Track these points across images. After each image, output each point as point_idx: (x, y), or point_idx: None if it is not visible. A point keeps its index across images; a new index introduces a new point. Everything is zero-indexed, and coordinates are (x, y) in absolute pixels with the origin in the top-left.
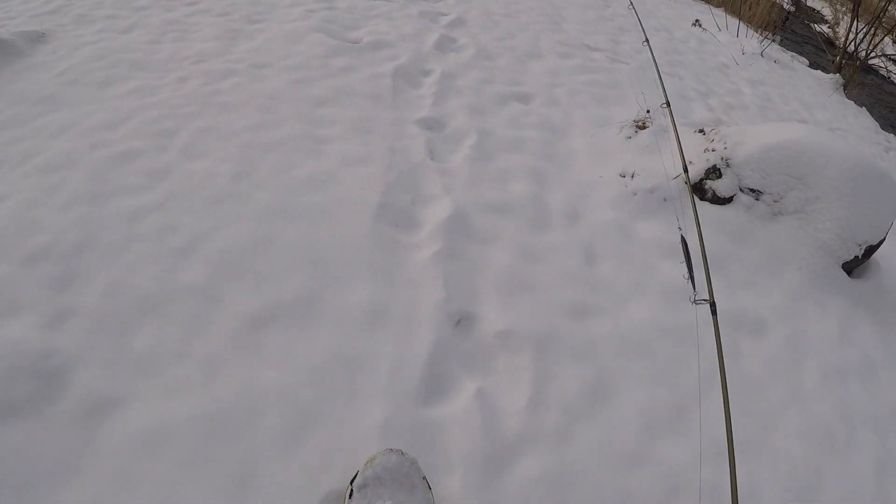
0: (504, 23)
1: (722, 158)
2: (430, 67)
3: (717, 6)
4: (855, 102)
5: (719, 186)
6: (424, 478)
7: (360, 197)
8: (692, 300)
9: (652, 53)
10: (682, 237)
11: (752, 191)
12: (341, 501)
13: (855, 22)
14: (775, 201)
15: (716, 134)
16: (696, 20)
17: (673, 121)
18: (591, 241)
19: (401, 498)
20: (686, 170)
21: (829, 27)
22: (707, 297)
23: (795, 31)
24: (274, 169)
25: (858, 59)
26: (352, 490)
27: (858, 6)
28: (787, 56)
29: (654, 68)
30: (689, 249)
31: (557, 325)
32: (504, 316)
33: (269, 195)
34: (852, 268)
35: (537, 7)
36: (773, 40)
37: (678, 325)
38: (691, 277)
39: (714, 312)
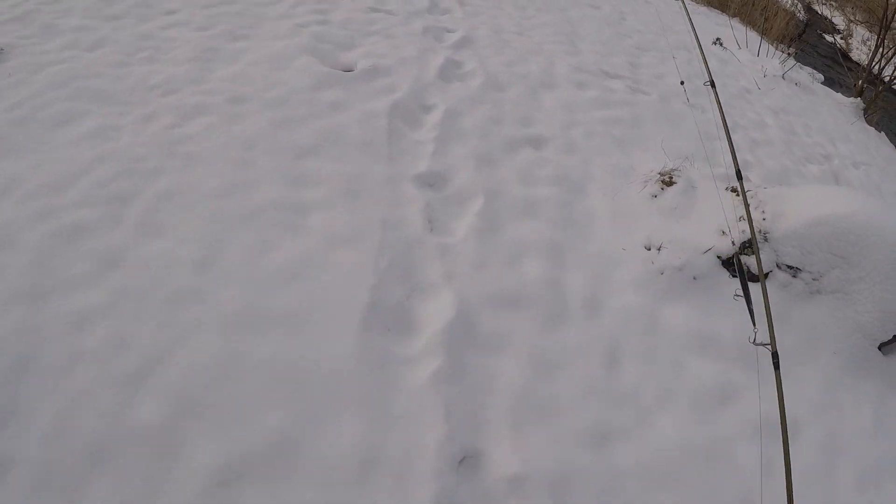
0: (516, 42)
1: (760, 231)
2: (431, 102)
3: (734, 15)
4: (875, 128)
5: (755, 263)
6: None
7: (347, 294)
8: (752, 341)
9: (720, 105)
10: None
11: (791, 268)
12: None
13: (881, 48)
14: (814, 279)
15: (752, 197)
16: (717, 39)
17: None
18: (613, 336)
19: None
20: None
21: (842, 38)
22: (769, 343)
23: (808, 42)
24: (245, 252)
25: (882, 82)
26: None
27: (886, 31)
28: (806, 76)
29: (686, 101)
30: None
31: (576, 459)
32: (515, 454)
33: (237, 294)
34: (884, 345)
35: (551, 23)
36: (792, 55)
37: (710, 442)
38: (751, 312)
39: (777, 366)
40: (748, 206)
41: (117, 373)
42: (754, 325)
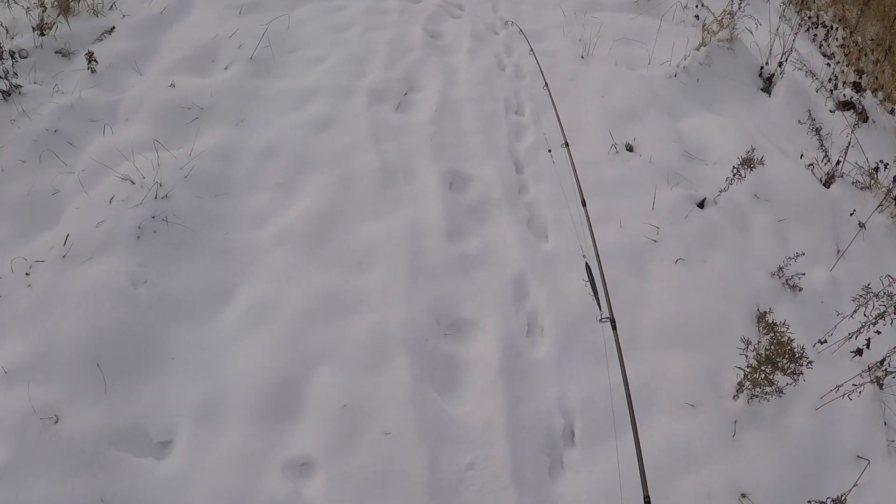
0: None
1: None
2: None
3: None
4: None
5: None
6: None
7: None
8: (599, 319)
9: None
10: (587, 265)
11: None
12: None
13: None
14: None
15: None
16: None
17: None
18: None
19: None
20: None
21: None
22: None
23: None
24: None
25: None
26: None
27: None
28: None
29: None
30: (593, 275)
31: None
32: None
33: None
34: None
35: None
36: None
37: None
38: (597, 300)
39: (614, 328)
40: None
41: None
42: (599, 308)
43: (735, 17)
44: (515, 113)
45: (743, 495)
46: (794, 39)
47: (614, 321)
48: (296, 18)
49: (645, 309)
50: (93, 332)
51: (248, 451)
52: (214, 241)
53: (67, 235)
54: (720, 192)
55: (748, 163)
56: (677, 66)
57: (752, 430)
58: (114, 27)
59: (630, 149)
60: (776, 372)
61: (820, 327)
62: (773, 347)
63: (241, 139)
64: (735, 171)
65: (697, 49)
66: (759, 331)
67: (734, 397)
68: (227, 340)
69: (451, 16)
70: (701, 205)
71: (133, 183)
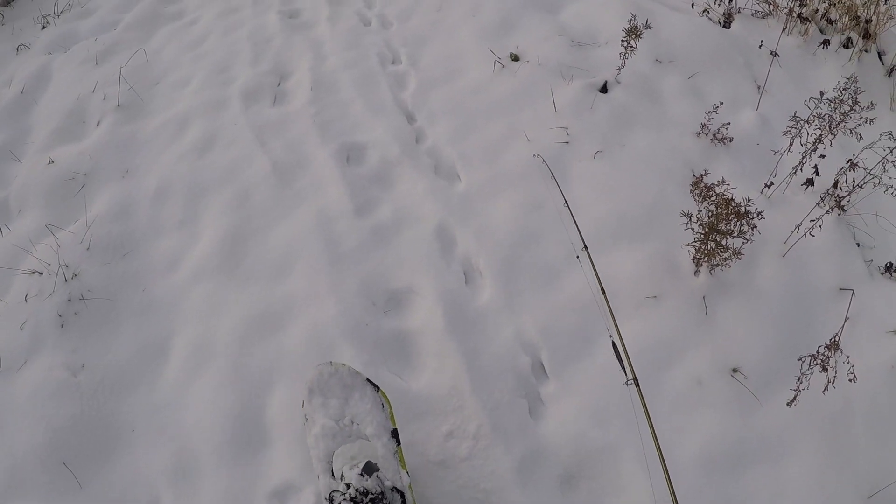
0: None
1: None
2: None
3: None
4: None
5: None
6: (368, 380)
7: None
8: (625, 383)
9: None
10: (613, 343)
11: None
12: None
13: None
14: None
15: None
16: None
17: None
18: None
19: (348, 395)
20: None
21: None
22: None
23: None
24: None
25: None
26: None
27: None
28: None
29: None
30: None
31: None
32: None
33: None
34: None
35: None
36: None
37: None
38: (622, 366)
39: (637, 386)
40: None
41: None
42: (626, 373)
43: None
44: (392, 63)
45: (734, 370)
46: None
47: (637, 380)
48: (152, 49)
49: (578, 215)
50: (49, 434)
51: (230, 495)
52: (135, 302)
53: None
54: (618, 70)
55: (634, 31)
56: None
57: (724, 301)
58: None
59: (515, 58)
60: (726, 237)
61: (763, 170)
62: (718, 211)
63: (131, 190)
64: (625, 43)
65: None
66: (695, 199)
67: (695, 273)
68: (177, 394)
69: None
70: (603, 89)
71: (41, 274)
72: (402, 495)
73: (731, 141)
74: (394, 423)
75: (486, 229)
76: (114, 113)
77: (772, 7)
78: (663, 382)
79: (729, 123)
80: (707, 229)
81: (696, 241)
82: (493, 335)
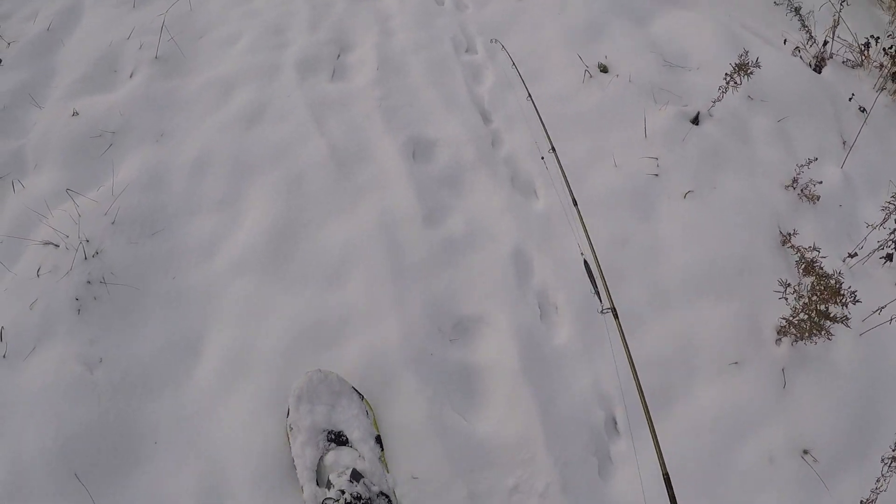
0: None
1: None
2: None
3: None
4: None
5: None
6: (354, 388)
7: None
8: (600, 311)
9: None
10: (585, 261)
11: None
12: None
13: None
14: None
15: None
16: None
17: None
18: None
19: (335, 402)
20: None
21: None
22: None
23: None
24: None
25: None
26: (289, 409)
27: None
28: None
29: None
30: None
31: None
32: None
33: None
34: None
35: None
36: None
37: None
38: (597, 293)
39: (616, 317)
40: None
41: None
42: (600, 300)
43: None
44: (467, 51)
45: (805, 451)
46: None
47: (615, 310)
48: None
49: (665, 259)
50: (59, 440)
51: None
52: (164, 291)
53: (2, 328)
54: (713, 102)
55: (743, 68)
56: None
57: (802, 375)
58: (0, 60)
59: (604, 69)
60: (830, 321)
61: (842, 234)
62: (818, 291)
63: (166, 157)
64: (728, 78)
65: None
66: (795, 270)
67: (776, 342)
68: (207, 405)
69: None
70: (695, 121)
71: (57, 246)
72: (389, 499)
73: (818, 200)
74: (377, 430)
75: (566, 262)
76: (150, 65)
77: (864, 58)
78: (736, 454)
79: (821, 182)
80: (812, 311)
81: (791, 317)
82: (570, 383)
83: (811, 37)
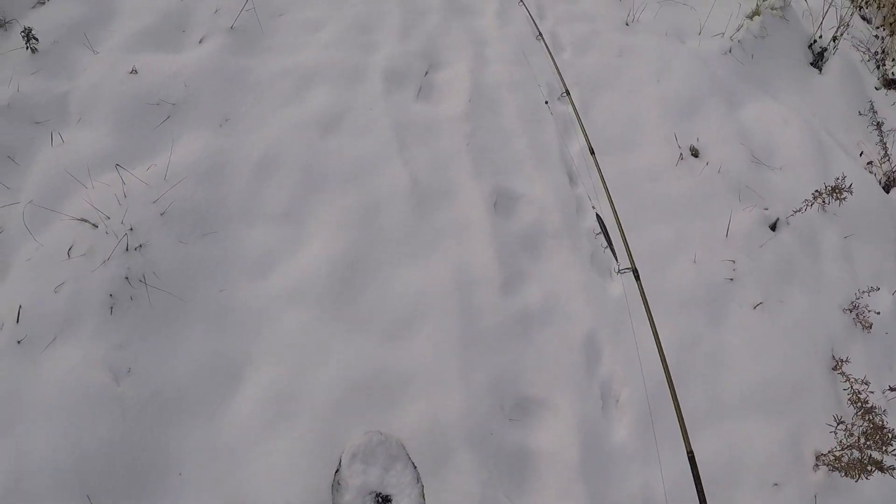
0: None
1: None
2: None
3: None
4: None
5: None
6: (409, 456)
7: None
8: (616, 271)
9: None
10: (598, 215)
11: None
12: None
13: None
14: None
15: None
16: None
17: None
18: None
19: (389, 466)
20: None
21: None
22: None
23: None
24: None
25: None
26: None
27: None
28: None
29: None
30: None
31: None
32: None
33: None
34: None
35: None
36: None
37: None
38: (612, 250)
39: (637, 278)
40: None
41: None
42: (616, 259)
43: None
44: (558, 99)
45: None
46: (852, 15)
47: (637, 272)
48: None
49: (726, 369)
50: (75, 455)
51: None
52: (209, 303)
53: (20, 307)
54: (794, 212)
55: (836, 192)
56: (731, 39)
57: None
58: None
59: (695, 153)
60: (879, 468)
61: (886, 364)
62: (870, 435)
63: (229, 148)
64: (818, 196)
65: (751, 18)
66: (843, 398)
67: (814, 468)
68: (241, 443)
69: None
70: (773, 227)
71: (95, 227)
72: None
73: (870, 328)
74: (424, 502)
75: (636, 357)
76: (224, 35)
77: None
78: None
79: (878, 313)
80: (862, 454)
81: (837, 450)
82: (620, 483)
83: (886, 153)
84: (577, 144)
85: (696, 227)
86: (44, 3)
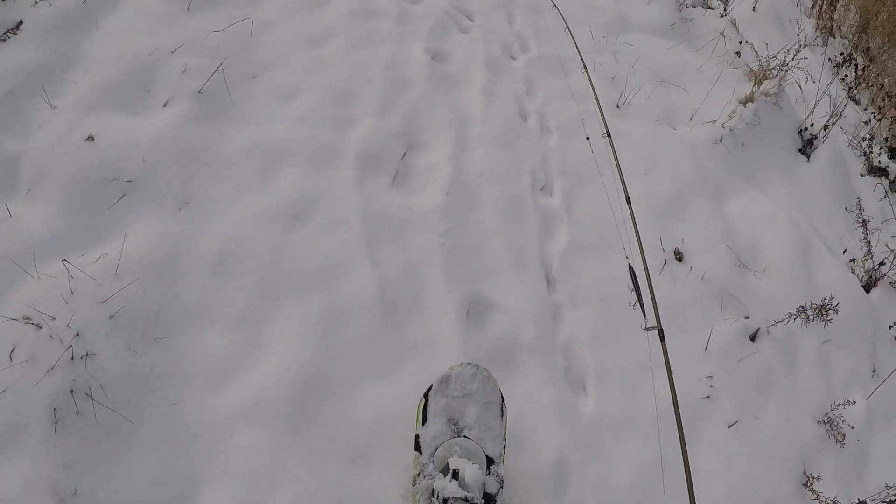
0: None
1: None
2: None
3: None
4: None
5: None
6: (498, 389)
7: None
8: (643, 327)
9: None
10: (630, 266)
11: None
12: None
13: None
14: None
15: None
16: None
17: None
18: None
19: (476, 392)
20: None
21: None
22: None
23: None
24: None
25: None
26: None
27: None
28: None
29: None
30: (637, 277)
31: None
32: None
33: None
34: None
35: None
36: None
37: None
38: (641, 305)
39: (662, 338)
40: None
41: None
42: (644, 315)
43: (787, 69)
44: (542, 190)
45: None
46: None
47: (662, 332)
48: (263, 18)
49: (697, 486)
50: None
51: None
52: (160, 419)
53: None
54: (776, 322)
55: (822, 313)
56: (723, 127)
57: None
58: (21, 21)
59: (679, 257)
60: None
61: (854, 475)
62: None
63: (187, 237)
64: (802, 311)
65: (744, 105)
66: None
67: None
68: None
69: (459, 28)
70: (753, 337)
71: (39, 328)
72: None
73: (843, 440)
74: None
75: (605, 482)
76: (190, 100)
77: None
78: None
79: (853, 427)
80: None
81: None
82: None
83: (870, 251)
84: (559, 244)
85: (674, 341)
86: (4, 41)
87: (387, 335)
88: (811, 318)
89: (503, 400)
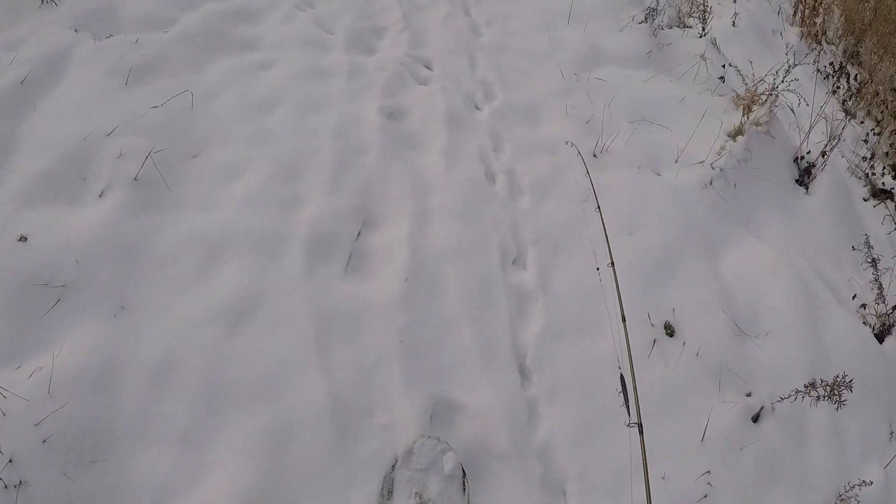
0: None
1: None
2: None
3: None
4: None
5: None
6: (460, 464)
7: None
8: (627, 424)
9: None
10: (622, 375)
11: None
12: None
13: None
14: None
15: None
16: None
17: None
18: None
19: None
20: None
21: None
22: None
23: None
24: None
25: None
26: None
27: None
28: None
29: None
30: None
31: None
32: None
33: None
34: None
35: None
36: None
37: None
38: (627, 407)
39: (641, 433)
40: None
41: None
42: (629, 413)
43: (778, 93)
44: (514, 263)
45: None
46: (843, 128)
47: (641, 426)
48: (203, 87)
49: None
50: None
51: None
52: None
53: None
54: (781, 398)
55: (835, 392)
56: (712, 167)
57: None
58: None
59: (670, 332)
60: None
61: None
62: None
63: (123, 346)
64: (812, 389)
65: (734, 138)
66: None
67: None
68: None
69: (416, 80)
70: (756, 418)
71: None
72: None
73: None
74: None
75: None
76: (127, 187)
77: None
78: None
79: None
80: None
81: None
82: None
83: (881, 293)
84: (533, 328)
85: (666, 434)
86: None
87: (340, 455)
88: (821, 397)
89: (465, 474)
